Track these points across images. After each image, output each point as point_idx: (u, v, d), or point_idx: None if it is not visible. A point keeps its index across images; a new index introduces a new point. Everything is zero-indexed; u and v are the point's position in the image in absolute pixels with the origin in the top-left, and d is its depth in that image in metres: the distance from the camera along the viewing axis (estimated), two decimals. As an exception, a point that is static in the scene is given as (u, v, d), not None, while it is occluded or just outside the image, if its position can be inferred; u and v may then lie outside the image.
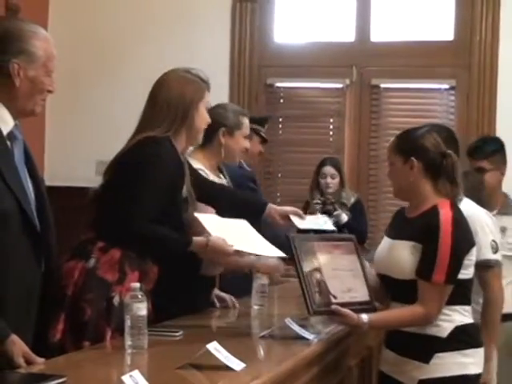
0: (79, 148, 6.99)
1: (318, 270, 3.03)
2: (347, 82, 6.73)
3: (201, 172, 3.76)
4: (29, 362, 2.48)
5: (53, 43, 2.80)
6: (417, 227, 3.02)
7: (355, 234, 5.89)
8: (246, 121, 4.04)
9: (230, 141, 3.94)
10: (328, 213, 5.83)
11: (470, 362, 3.02)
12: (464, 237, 3.01)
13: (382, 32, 6.77)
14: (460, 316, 3.03)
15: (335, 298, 3.01)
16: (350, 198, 6.07)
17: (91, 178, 6.38)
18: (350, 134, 6.75)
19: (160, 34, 6.88)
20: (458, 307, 3.02)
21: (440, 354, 2.98)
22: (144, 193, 3.09)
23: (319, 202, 5.93)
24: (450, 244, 2.92)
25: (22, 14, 6.06)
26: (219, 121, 3.87)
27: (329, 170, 6.03)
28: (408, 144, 3.10)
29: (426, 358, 2.99)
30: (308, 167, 6.52)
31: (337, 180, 6.01)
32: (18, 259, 2.63)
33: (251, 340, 3.09)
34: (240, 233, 3.36)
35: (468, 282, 3.06)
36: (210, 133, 3.73)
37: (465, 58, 6.51)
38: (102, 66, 6.95)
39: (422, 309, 2.96)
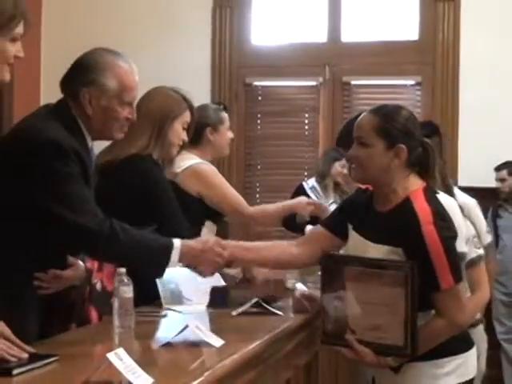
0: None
1: (340, 298, 2.60)
2: (320, 79, 7.00)
3: (201, 165, 3.93)
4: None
5: (132, 73, 2.83)
6: (393, 227, 2.60)
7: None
8: (225, 115, 4.18)
9: (218, 136, 4.10)
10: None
11: (444, 372, 2.64)
12: (448, 228, 2.58)
13: (351, 33, 7.03)
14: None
15: (353, 332, 2.59)
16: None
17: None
18: (324, 128, 6.99)
19: (145, 39, 7.02)
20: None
21: (411, 364, 2.60)
22: (176, 210, 3.37)
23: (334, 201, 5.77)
24: (438, 241, 2.52)
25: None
26: (202, 121, 3.97)
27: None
28: (396, 127, 2.62)
29: (396, 368, 2.63)
30: (285, 159, 6.90)
31: None
32: None
33: (226, 318, 3.11)
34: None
35: None
36: (199, 134, 3.92)
37: (429, 56, 6.79)
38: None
39: (446, 320, 2.58)
